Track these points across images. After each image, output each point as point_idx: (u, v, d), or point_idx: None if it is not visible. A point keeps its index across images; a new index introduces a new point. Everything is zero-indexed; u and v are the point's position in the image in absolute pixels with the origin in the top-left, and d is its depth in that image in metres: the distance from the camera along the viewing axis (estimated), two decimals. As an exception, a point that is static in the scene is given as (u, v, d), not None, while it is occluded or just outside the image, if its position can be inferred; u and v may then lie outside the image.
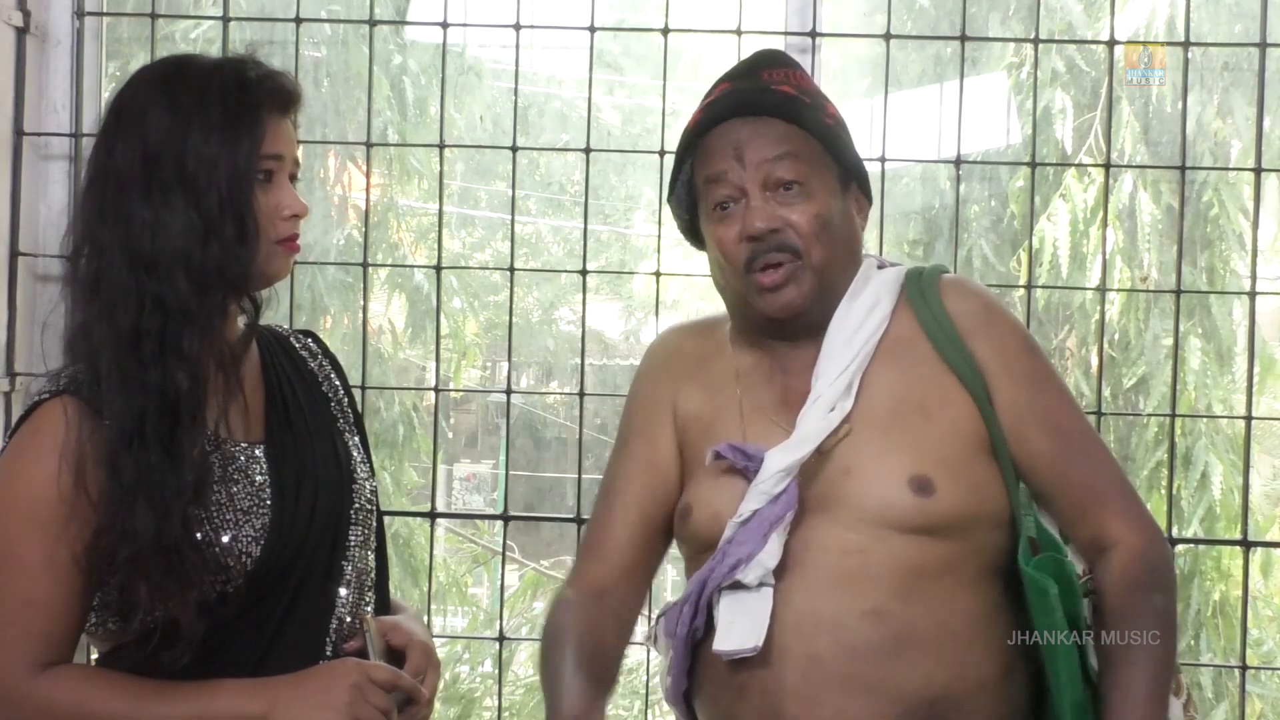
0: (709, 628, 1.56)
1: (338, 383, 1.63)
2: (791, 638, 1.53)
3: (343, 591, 1.49)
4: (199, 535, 1.39)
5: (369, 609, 1.53)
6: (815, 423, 1.59)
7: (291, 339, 1.63)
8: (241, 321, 1.50)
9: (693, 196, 1.67)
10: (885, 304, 1.64)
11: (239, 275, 1.44)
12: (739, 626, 1.52)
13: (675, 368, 1.73)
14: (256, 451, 1.48)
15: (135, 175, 1.41)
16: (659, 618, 1.67)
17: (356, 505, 1.54)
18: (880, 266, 1.71)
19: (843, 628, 1.52)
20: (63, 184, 2.39)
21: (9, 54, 2.32)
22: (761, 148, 1.60)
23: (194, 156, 1.42)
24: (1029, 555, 1.56)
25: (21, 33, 2.32)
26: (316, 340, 1.67)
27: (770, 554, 1.53)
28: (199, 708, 1.40)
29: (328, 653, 1.47)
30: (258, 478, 1.46)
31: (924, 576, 1.54)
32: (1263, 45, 2.36)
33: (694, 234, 1.72)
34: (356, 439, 1.60)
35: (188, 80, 1.46)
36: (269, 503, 1.45)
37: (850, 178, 1.66)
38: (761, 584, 1.53)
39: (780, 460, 1.56)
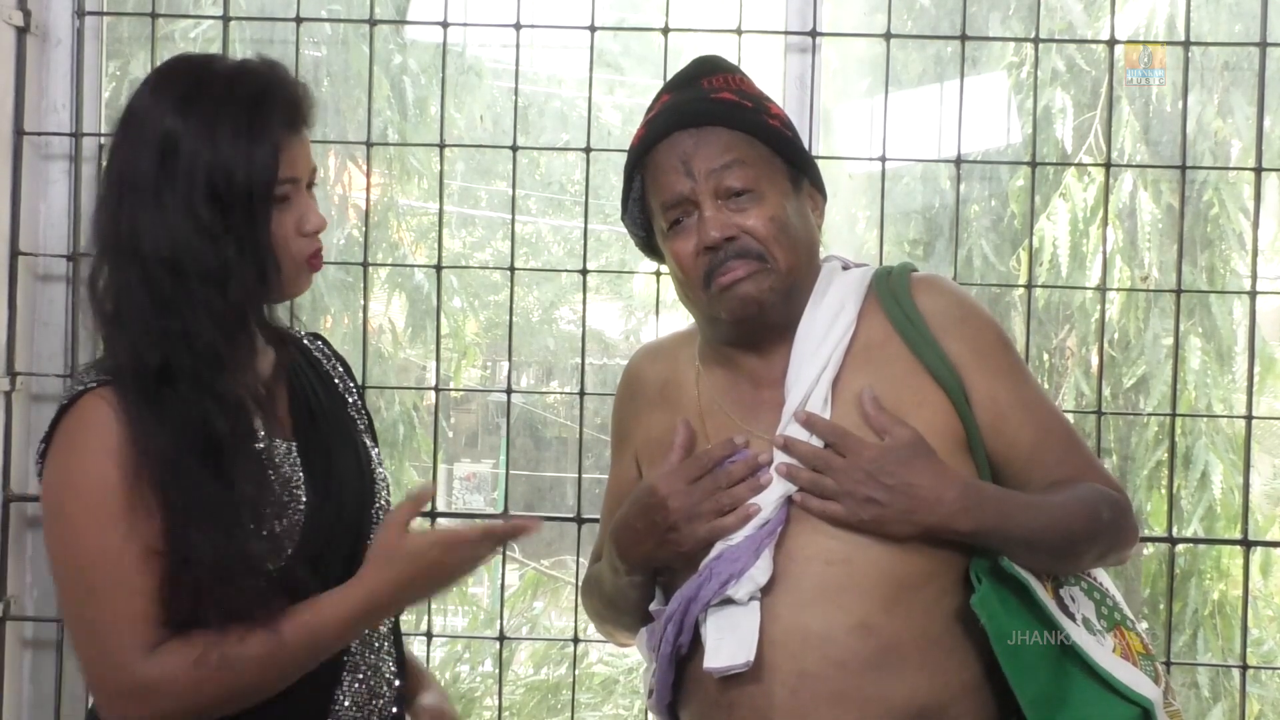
0: (694, 644, 1.56)
1: (351, 384, 1.64)
2: (780, 655, 1.52)
3: None
4: (258, 556, 1.38)
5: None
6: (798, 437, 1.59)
7: (305, 340, 1.62)
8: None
9: (646, 213, 1.66)
10: (851, 307, 1.63)
11: (260, 311, 1.45)
12: (729, 643, 1.52)
13: (637, 396, 1.75)
14: (288, 448, 1.48)
15: (150, 195, 1.39)
16: (641, 632, 1.68)
17: (377, 505, 1.55)
18: (845, 268, 1.71)
19: (831, 643, 1.52)
20: (63, 183, 2.39)
21: (9, 53, 2.32)
22: (708, 158, 1.58)
23: (209, 194, 1.39)
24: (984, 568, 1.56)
25: (22, 32, 2.33)
26: (325, 343, 1.67)
27: (762, 570, 1.52)
28: (315, 623, 1.39)
29: (351, 650, 1.49)
30: (288, 472, 1.46)
31: (907, 585, 1.54)
32: (1263, 45, 2.36)
33: (652, 249, 1.72)
34: (371, 440, 1.62)
35: (200, 102, 1.42)
36: (304, 500, 1.45)
37: (801, 176, 1.65)
38: (750, 598, 1.53)
39: (778, 486, 1.56)
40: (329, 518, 1.47)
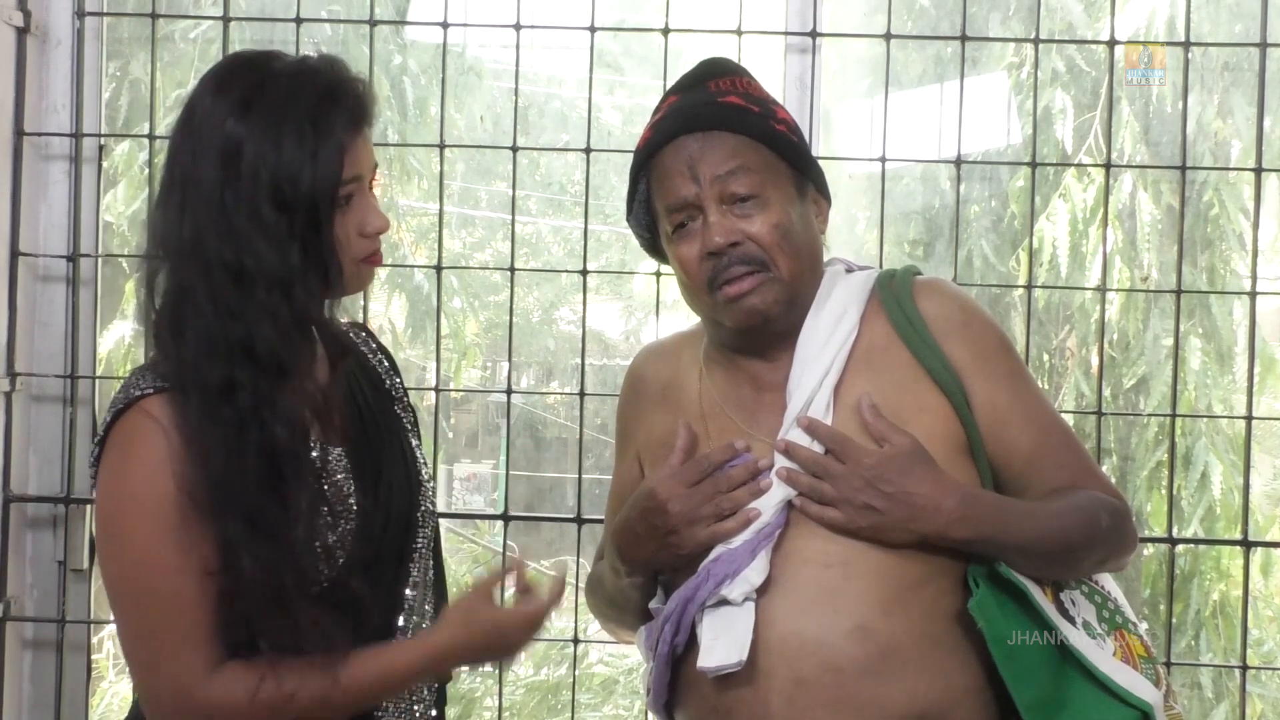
0: (690, 644, 1.57)
1: (397, 379, 1.61)
2: (776, 660, 1.52)
3: (409, 593, 1.48)
4: (311, 570, 1.37)
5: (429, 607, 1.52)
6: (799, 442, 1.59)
7: (351, 333, 1.59)
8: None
9: (651, 215, 1.66)
10: (853, 311, 1.63)
11: (321, 314, 1.43)
12: (722, 643, 1.52)
13: (640, 397, 1.75)
14: (339, 454, 1.45)
15: (213, 198, 1.37)
16: (640, 630, 1.68)
17: (423, 509, 1.52)
18: (849, 270, 1.70)
19: (827, 648, 1.52)
20: (63, 184, 2.39)
21: (9, 54, 2.32)
22: (714, 163, 1.58)
23: (273, 198, 1.36)
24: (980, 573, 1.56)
25: (22, 33, 2.33)
26: (370, 335, 1.64)
27: (757, 571, 1.53)
28: (377, 673, 1.39)
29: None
30: (340, 480, 1.43)
31: (905, 588, 1.54)
32: (1263, 45, 2.36)
33: (656, 250, 1.72)
34: (416, 437, 1.59)
35: (262, 104, 1.38)
36: (354, 508, 1.43)
37: (806, 181, 1.65)
38: (745, 599, 1.53)
39: (778, 491, 1.56)
40: (378, 525, 1.44)
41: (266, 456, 1.34)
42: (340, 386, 1.49)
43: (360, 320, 1.81)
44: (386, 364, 1.60)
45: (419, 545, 1.50)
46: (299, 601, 1.34)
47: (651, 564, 1.62)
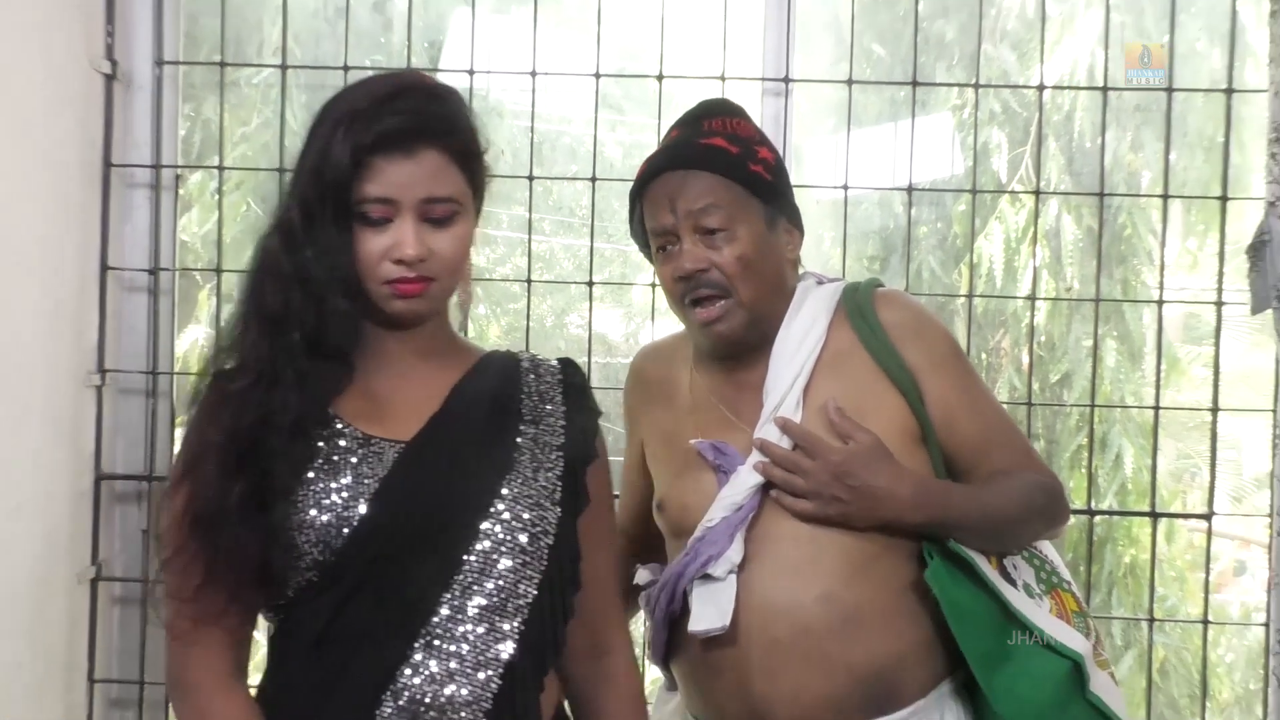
0: (683, 610, 1.57)
1: (557, 422, 1.34)
2: (755, 623, 1.52)
3: (444, 610, 1.24)
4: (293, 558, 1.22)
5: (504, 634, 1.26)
6: (773, 438, 1.58)
7: (522, 365, 1.38)
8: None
9: (645, 234, 1.66)
10: (822, 321, 1.62)
11: (344, 334, 1.26)
12: (709, 610, 1.53)
13: (640, 390, 1.75)
14: (384, 448, 1.27)
15: (278, 217, 1.29)
16: (641, 595, 1.68)
17: (488, 521, 1.27)
18: (820, 283, 1.69)
19: (798, 612, 1.52)
20: (145, 209, 2.38)
21: (99, 97, 2.31)
22: (690, 199, 1.58)
23: (301, 200, 1.25)
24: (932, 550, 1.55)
25: (110, 79, 2.32)
26: (565, 376, 1.39)
27: (736, 550, 1.53)
28: None
29: (415, 646, 1.24)
30: (364, 471, 1.25)
31: (865, 561, 1.54)
32: (1169, 90, 2.35)
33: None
34: (547, 478, 1.31)
35: (321, 114, 1.28)
36: (366, 499, 1.24)
37: (778, 214, 1.63)
38: (728, 573, 1.53)
39: (751, 478, 1.56)
40: (387, 524, 1.24)
41: (233, 439, 1.22)
42: (444, 388, 1.32)
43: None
44: (547, 408, 1.35)
45: (477, 550, 1.25)
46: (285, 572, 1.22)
47: None
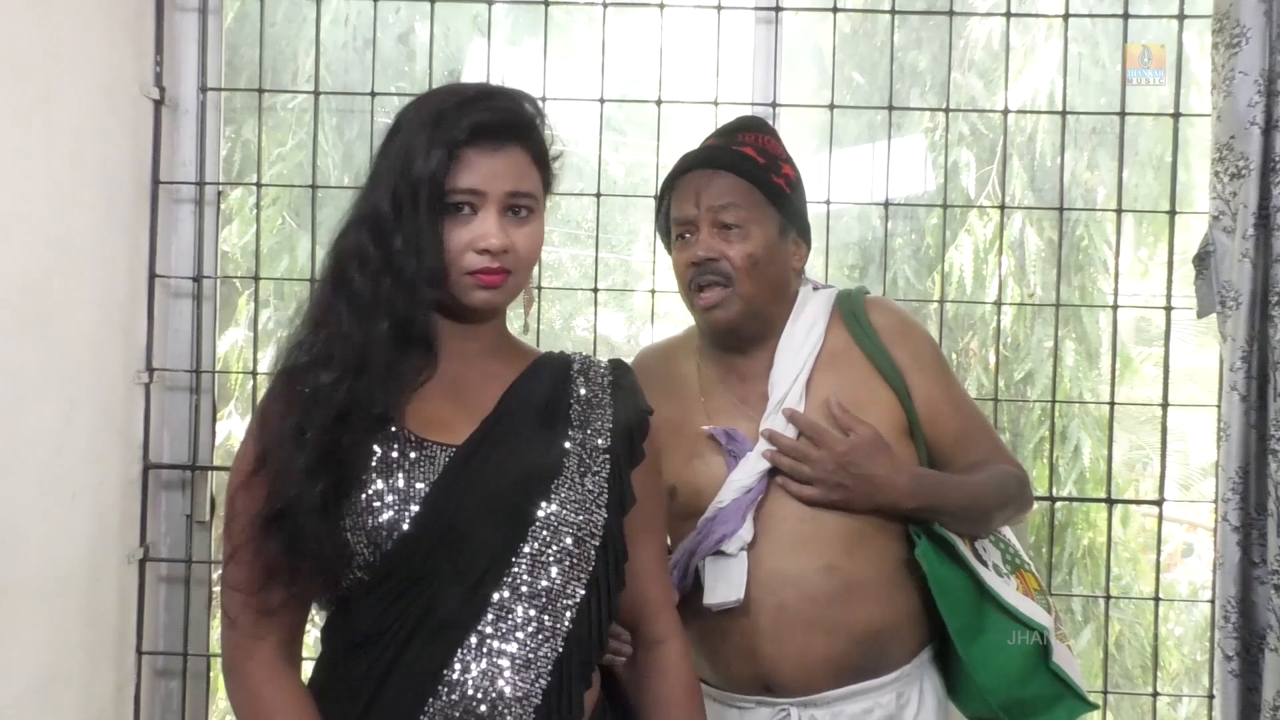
0: (696, 584, 1.59)
1: (604, 425, 1.28)
2: (763, 591, 1.55)
3: (496, 595, 1.19)
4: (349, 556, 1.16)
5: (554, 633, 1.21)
6: (778, 428, 1.60)
7: (573, 368, 1.32)
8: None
9: (669, 224, 1.68)
10: (821, 322, 1.65)
11: (424, 324, 1.19)
12: (723, 584, 1.55)
13: (645, 384, 1.75)
14: (436, 452, 1.21)
15: (360, 207, 1.21)
16: None
17: (535, 525, 1.22)
18: (816, 289, 1.72)
19: (803, 581, 1.54)
20: (190, 222, 2.40)
21: (148, 120, 2.34)
22: (713, 195, 1.61)
23: (392, 189, 1.18)
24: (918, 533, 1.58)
25: (158, 104, 2.35)
26: (615, 379, 1.33)
27: (748, 529, 1.56)
28: None
29: (465, 645, 1.18)
30: (415, 475, 1.19)
31: (864, 536, 1.56)
32: (1122, 114, 2.38)
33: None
34: (594, 481, 1.26)
35: (413, 110, 1.22)
36: (417, 500, 1.18)
37: (790, 225, 1.66)
38: (740, 550, 1.55)
39: (759, 463, 1.58)
40: (434, 529, 1.18)
41: (299, 436, 1.15)
42: (499, 387, 1.27)
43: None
44: (602, 408, 1.29)
45: (525, 552, 1.20)
46: (343, 569, 1.16)
47: None
